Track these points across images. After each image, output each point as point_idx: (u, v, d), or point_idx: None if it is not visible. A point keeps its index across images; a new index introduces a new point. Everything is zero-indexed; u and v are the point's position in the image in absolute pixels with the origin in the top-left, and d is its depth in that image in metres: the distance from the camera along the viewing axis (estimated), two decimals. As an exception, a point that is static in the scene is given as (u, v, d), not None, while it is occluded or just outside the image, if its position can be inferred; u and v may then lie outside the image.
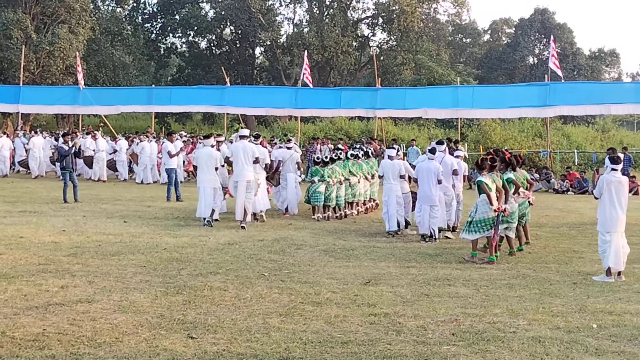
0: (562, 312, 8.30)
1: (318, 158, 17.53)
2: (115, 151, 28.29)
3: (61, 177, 19.44)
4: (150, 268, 10.38)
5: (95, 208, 17.82)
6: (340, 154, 17.96)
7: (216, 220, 15.84)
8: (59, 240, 12.62)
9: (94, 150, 27.55)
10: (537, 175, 28.97)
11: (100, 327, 7.25)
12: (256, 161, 15.70)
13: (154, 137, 29.25)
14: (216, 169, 15.77)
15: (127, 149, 28.27)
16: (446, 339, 7.17)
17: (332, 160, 17.35)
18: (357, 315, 7.99)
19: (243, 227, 15.03)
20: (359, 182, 17.74)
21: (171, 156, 20.71)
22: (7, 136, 30.84)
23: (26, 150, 29.80)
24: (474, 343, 7.04)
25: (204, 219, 15.41)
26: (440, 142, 15.41)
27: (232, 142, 17.91)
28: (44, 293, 8.64)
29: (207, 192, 15.53)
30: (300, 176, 18.77)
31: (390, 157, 15.29)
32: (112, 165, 28.48)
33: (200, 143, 19.43)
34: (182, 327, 7.35)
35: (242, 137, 16.07)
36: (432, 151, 14.41)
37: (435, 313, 8.16)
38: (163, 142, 23.85)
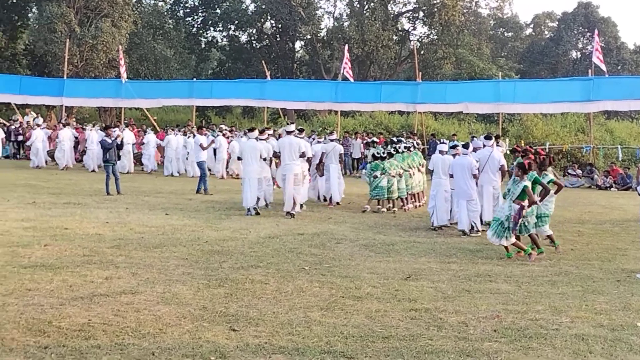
0: (605, 310, 8.21)
1: (377, 153, 17.74)
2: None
3: (104, 170, 19.67)
4: (192, 260, 10.48)
5: (137, 200, 18.03)
6: (399, 147, 18.22)
7: (267, 206, 16.78)
8: (103, 232, 12.80)
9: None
10: (579, 172, 28.66)
11: (144, 318, 7.34)
12: (302, 155, 16.31)
13: (179, 131, 29.63)
14: (264, 159, 16.43)
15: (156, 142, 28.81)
16: (488, 335, 7.14)
17: (390, 155, 17.65)
18: (398, 310, 7.99)
19: (292, 216, 15.77)
20: (414, 174, 18.15)
21: (203, 149, 20.98)
22: (68, 127, 31.21)
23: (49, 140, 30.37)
24: (516, 340, 6.99)
25: (248, 209, 16.01)
26: (488, 137, 15.37)
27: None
28: (89, 284, 8.78)
29: (252, 183, 16.14)
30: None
31: (441, 152, 15.39)
32: (137, 158, 29.09)
33: (245, 136, 19.55)
34: (224, 320, 7.42)
35: (288, 132, 16.75)
36: (466, 146, 14.66)
37: (477, 309, 8.12)
38: (193, 136, 24.32)
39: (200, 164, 20.95)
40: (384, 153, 17.70)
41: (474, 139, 18.33)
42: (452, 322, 7.54)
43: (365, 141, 23.48)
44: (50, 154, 30.53)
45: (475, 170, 14.08)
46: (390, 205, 17.70)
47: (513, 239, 11.53)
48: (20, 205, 16.09)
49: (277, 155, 16.82)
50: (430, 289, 9.12)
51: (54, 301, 7.88)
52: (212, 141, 24.42)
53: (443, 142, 16.74)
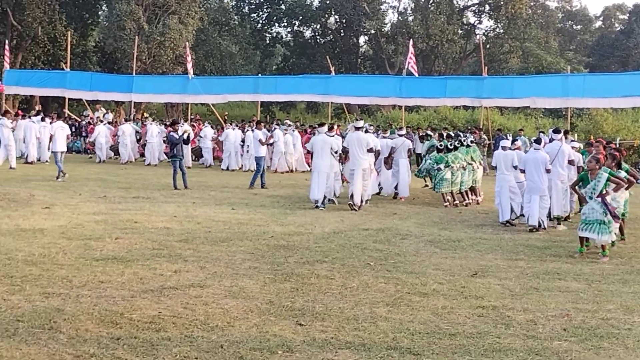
0: (679, 310, 8.01)
1: (441, 145, 17.91)
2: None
3: (171, 165, 19.98)
4: (259, 255, 10.60)
5: (204, 195, 18.28)
6: (464, 140, 18.43)
7: (331, 201, 16.94)
8: (171, 225, 13.03)
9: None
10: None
11: (212, 312, 7.46)
12: (370, 150, 16.56)
13: (237, 125, 29.97)
14: (336, 152, 16.66)
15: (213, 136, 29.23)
16: (557, 334, 7.04)
17: (455, 148, 17.82)
18: (464, 307, 7.94)
19: (358, 208, 16.15)
20: (477, 168, 18.30)
21: (262, 144, 21.19)
22: (128, 122, 31.89)
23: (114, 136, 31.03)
24: (586, 339, 6.88)
25: (316, 203, 16.26)
26: (556, 131, 15.28)
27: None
28: (159, 277, 8.96)
29: (322, 177, 16.47)
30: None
31: (503, 148, 15.36)
32: (197, 152, 29.61)
33: (316, 131, 19.80)
34: (290, 314, 7.49)
35: (357, 128, 17.21)
36: (538, 141, 14.52)
37: (546, 307, 8.01)
38: (252, 131, 24.66)
39: (258, 159, 21.16)
40: (450, 145, 17.87)
41: (543, 134, 18.16)
42: (520, 320, 7.46)
43: (420, 134, 23.38)
44: (113, 148, 31.18)
45: (549, 165, 13.94)
46: (450, 198, 17.71)
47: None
48: (92, 199, 16.50)
49: (345, 150, 17.01)
50: (498, 286, 9.03)
51: (125, 293, 8.07)
52: (271, 136, 24.61)
53: (506, 138, 16.64)
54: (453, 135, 20.98)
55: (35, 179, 20.83)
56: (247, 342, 6.52)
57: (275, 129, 27.51)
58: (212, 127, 30.99)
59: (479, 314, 7.69)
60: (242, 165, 27.82)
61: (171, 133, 20.69)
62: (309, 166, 21.45)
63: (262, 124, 23.65)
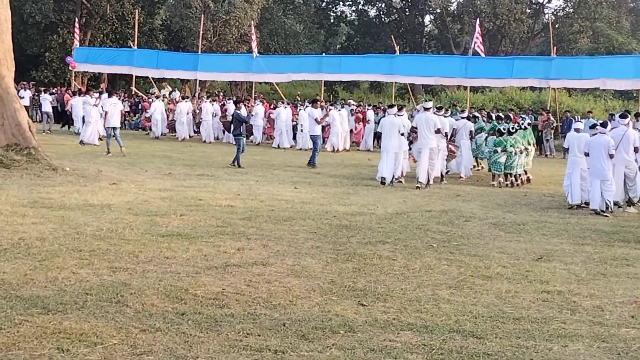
0: None
1: (504, 128, 18.02)
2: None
3: (236, 143, 20.12)
4: (321, 234, 10.62)
5: (266, 173, 18.41)
6: (523, 123, 18.59)
7: (399, 181, 17.35)
8: (235, 204, 13.15)
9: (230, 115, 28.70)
10: None
11: (274, 290, 7.52)
12: (438, 131, 16.91)
13: (288, 104, 30.09)
14: (402, 134, 17.13)
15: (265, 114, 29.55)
16: (625, 321, 6.89)
17: (515, 131, 17.96)
18: (529, 291, 7.83)
19: (426, 186, 16.62)
20: (531, 151, 18.47)
21: (318, 122, 21.21)
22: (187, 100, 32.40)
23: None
24: (655, 327, 6.72)
25: (383, 179, 16.89)
26: (623, 115, 15.05)
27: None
28: (222, 254, 9.06)
29: (390, 157, 16.98)
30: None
31: (577, 130, 15.16)
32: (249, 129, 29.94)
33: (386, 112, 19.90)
34: (352, 294, 7.49)
35: (426, 108, 17.51)
36: (604, 125, 14.37)
37: (613, 293, 7.84)
38: (306, 108, 24.89)
39: (314, 138, 21.21)
40: (512, 129, 17.99)
41: (613, 116, 17.85)
42: (586, 306, 7.32)
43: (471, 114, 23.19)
44: (171, 125, 31.68)
45: (612, 150, 13.74)
46: (502, 179, 17.94)
47: None
48: (158, 176, 16.78)
49: (414, 130, 17.30)
50: (563, 271, 8.87)
51: (190, 269, 8.19)
52: (327, 114, 24.63)
53: (579, 121, 16.44)
54: (503, 117, 21.11)
55: (103, 155, 21.26)
56: (309, 321, 6.55)
57: (330, 109, 27.51)
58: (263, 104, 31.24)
59: (543, 298, 7.57)
60: (293, 144, 28.17)
61: (238, 111, 20.85)
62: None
63: (319, 103, 23.67)
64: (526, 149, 18.08)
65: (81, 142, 24.57)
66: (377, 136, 23.18)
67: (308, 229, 11.03)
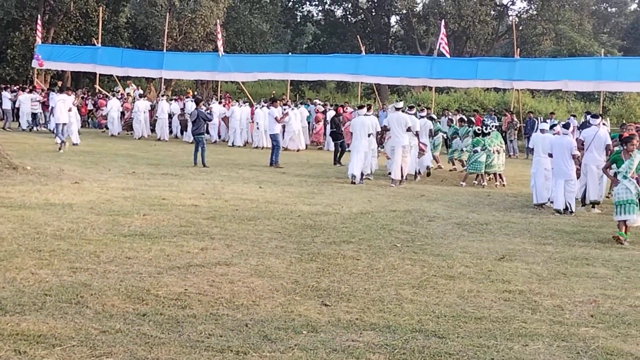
0: None
1: (479, 129, 18.54)
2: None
3: (198, 142, 19.93)
4: (285, 234, 10.60)
5: (231, 173, 18.33)
6: (494, 126, 19.08)
7: (367, 178, 18.03)
8: (199, 203, 13.07)
9: (189, 114, 28.69)
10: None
11: (237, 290, 7.47)
12: (408, 129, 17.64)
13: (244, 102, 30.28)
14: (369, 134, 17.71)
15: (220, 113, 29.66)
16: (584, 320, 6.96)
17: (488, 133, 18.38)
18: (491, 291, 7.88)
19: (400, 183, 17.38)
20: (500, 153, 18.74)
21: (278, 121, 21.49)
22: (148, 99, 32.30)
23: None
24: (614, 326, 6.79)
25: (354, 177, 17.37)
26: (595, 116, 15.47)
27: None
28: (185, 254, 8.99)
29: (360, 156, 17.55)
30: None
31: (542, 131, 15.49)
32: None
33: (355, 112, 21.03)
34: (315, 294, 7.48)
35: (397, 108, 18.15)
36: (566, 126, 14.73)
37: (573, 293, 7.92)
38: (264, 107, 25.11)
39: (273, 137, 21.25)
40: (486, 129, 18.39)
41: (573, 117, 18.23)
42: (547, 305, 7.39)
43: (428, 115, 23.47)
44: (128, 123, 31.51)
45: (574, 150, 13.97)
46: (480, 179, 18.42)
47: None
48: (121, 175, 16.62)
49: (386, 129, 18.03)
50: (525, 270, 8.95)
51: (152, 270, 8.11)
52: (286, 114, 24.70)
53: (544, 121, 16.76)
54: (466, 119, 21.66)
55: (66, 154, 21.02)
56: (272, 321, 6.52)
57: (285, 108, 27.76)
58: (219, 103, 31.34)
59: (505, 298, 7.62)
60: (247, 142, 28.64)
61: (201, 110, 20.71)
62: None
63: (278, 102, 23.73)
64: (497, 151, 18.32)
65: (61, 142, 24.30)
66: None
67: (272, 228, 11.00)
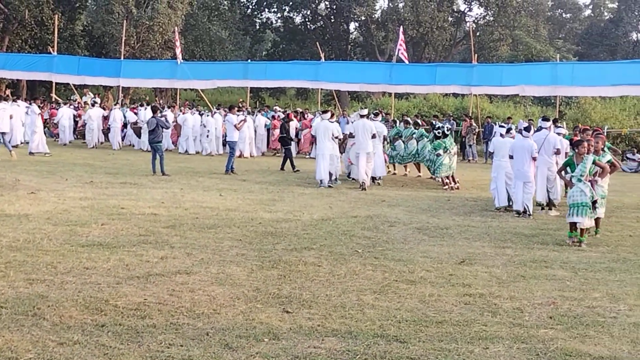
0: (666, 299, 8.02)
1: (438, 132, 18.82)
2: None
3: (157, 150, 19.71)
4: (246, 242, 10.54)
5: (191, 181, 18.20)
6: (446, 129, 19.15)
7: (335, 179, 18.58)
8: (158, 212, 12.94)
9: (142, 121, 28.70)
10: (638, 155, 28.07)
11: (198, 299, 7.41)
12: (374, 136, 18.11)
13: (196, 110, 30.39)
14: (336, 137, 18.38)
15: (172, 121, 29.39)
16: (543, 322, 7.03)
17: (447, 135, 18.79)
18: (451, 294, 7.92)
19: (364, 189, 17.58)
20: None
21: (237, 129, 21.62)
22: (103, 108, 31.98)
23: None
24: (572, 327, 6.87)
25: (322, 181, 17.91)
26: (545, 119, 15.67)
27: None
28: (145, 263, 8.89)
29: (326, 159, 18.07)
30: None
31: (502, 135, 15.70)
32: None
33: (319, 117, 21.07)
34: (277, 301, 7.44)
35: (362, 115, 18.66)
36: (527, 129, 14.79)
37: (532, 295, 8.00)
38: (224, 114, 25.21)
39: (231, 144, 21.19)
40: (439, 132, 18.66)
41: (530, 121, 18.52)
42: (506, 308, 7.45)
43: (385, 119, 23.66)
44: (81, 132, 31.19)
45: (535, 153, 14.26)
46: (448, 181, 18.69)
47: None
48: (78, 185, 16.39)
49: (352, 135, 18.60)
50: (485, 273, 9.01)
51: (111, 280, 8.01)
52: (244, 120, 24.67)
53: (501, 126, 17.00)
54: (411, 122, 22.09)
55: (22, 163, 20.68)
56: (233, 330, 6.47)
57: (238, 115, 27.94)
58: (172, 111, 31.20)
59: (466, 301, 7.67)
60: (200, 150, 28.46)
61: (159, 118, 20.52)
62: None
63: (236, 109, 23.72)
64: (455, 153, 18.85)
65: (30, 153, 24.04)
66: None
67: (233, 236, 10.93)
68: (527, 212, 14.16)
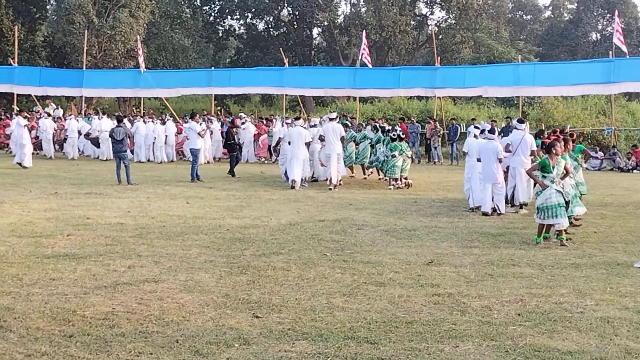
0: (630, 293, 8.14)
1: (394, 135, 19.41)
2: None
3: (122, 159, 19.53)
4: (214, 248, 10.51)
5: (158, 189, 18.07)
6: (397, 133, 19.76)
7: (307, 182, 19.51)
8: (125, 221, 12.84)
9: (99, 131, 28.61)
10: (600, 154, 28.47)
11: (167, 307, 7.37)
12: (342, 139, 19.46)
13: (150, 118, 30.46)
14: (307, 144, 19.13)
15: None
16: (512, 319, 7.10)
17: (401, 138, 19.51)
18: (420, 295, 7.97)
19: (333, 189, 18.63)
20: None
21: (201, 136, 21.74)
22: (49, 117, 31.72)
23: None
24: (540, 323, 6.95)
25: (294, 181, 18.67)
26: (520, 121, 15.94)
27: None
28: (112, 273, 8.82)
29: (299, 163, 18.93)
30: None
31: (475, 136, 15.89)
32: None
33: (292, 123, 21.51)
34: (247, 307, 7.43)
35: (331, 119, 19.84)
36: (492, 131, 15.18)
37: (500, 293, 8.08)
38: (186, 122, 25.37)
39: (194, 152, 21.12)
40: (394, 135, 19.32)
41: (494, 122, 18.79)
42: (475, 307, 7.51)
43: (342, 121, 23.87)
44: (37, 144, 30.83)
45: (500, 154, 14.44)
46: (396, 182, 19.18)
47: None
48: (43, 196, 16.19)
49: (322, 138, 19.73)
50: (453, 273, 9.08)
51: (78, 290, 7.93)
52: (208, 128, 24.68)
53: (476, 127, 17.16)
54: (364, 125, 23.10)
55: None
56: (203, 336, 6.44)
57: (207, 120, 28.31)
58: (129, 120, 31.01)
59: (434, 301, 7.72)
60: (152, 159, 28.41)
61: (124, 127, 20.34)
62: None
63: (198, 116, 23.70)
64: (409, 156, 19.41)
65: (18, 164, 23.79)
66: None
67: (201, 243, 10.89)
68: (498, 212, 14.38)
